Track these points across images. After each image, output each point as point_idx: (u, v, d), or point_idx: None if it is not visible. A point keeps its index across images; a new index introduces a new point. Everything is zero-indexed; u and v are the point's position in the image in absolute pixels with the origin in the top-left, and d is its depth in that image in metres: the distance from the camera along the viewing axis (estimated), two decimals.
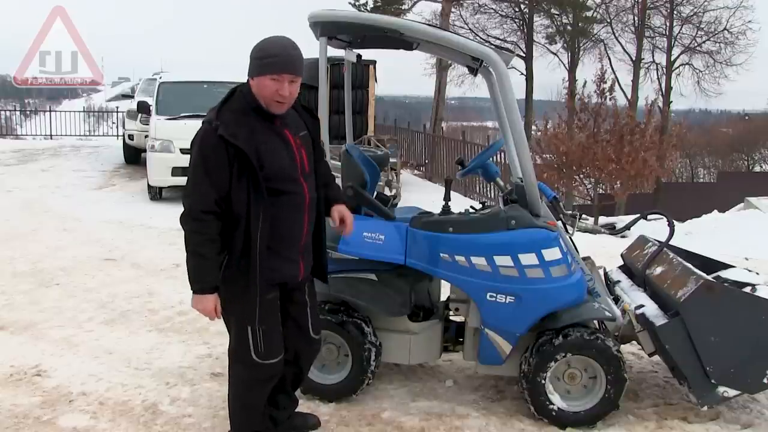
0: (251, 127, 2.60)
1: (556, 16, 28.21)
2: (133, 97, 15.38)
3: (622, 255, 4.34)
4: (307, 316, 2.95)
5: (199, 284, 2.63)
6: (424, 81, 25.54)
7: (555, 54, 29.03)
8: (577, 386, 3.39)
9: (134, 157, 13.79)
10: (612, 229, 11.41)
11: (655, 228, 8.37)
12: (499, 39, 27.76)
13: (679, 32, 28.30)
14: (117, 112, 22.64)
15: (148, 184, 10.20)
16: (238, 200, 2.57)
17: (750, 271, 3.90)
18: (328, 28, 3.40)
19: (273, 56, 2.56)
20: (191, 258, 2.61)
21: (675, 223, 3.97)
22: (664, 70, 28.74)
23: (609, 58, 27.65)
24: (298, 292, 2.90)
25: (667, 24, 28.17)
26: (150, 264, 6.52)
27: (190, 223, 2.59)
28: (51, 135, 21.06)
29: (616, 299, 3.80)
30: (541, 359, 3.30)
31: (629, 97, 26.51)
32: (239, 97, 2.66)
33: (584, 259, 4.00)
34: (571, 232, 3.74)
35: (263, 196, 2.57)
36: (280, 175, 2.62)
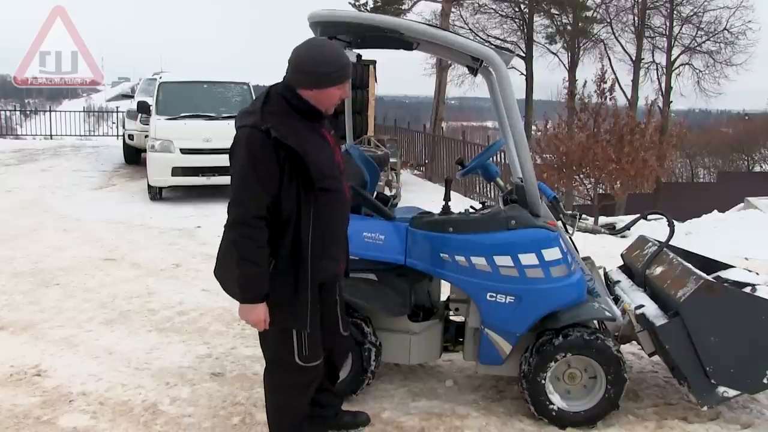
0: (296, 127, 2.57)
1: (556, 16, 28.23)
2: (133, 97, 15.36)
3: (622, 255, 4.34)
4: (338, 314, 2.96)
5: (252, 293, 2.56)
6: (424, 81, 25.59)
7: (555, 54, 29.08)
8: (577, 386, 3.39)
9: (134, 157, 13.77)
10: (612, 229, 11.43)
11: (655, 228, 8.38)
12: (499, 39, 27.77)
13: (679, 32, 28.33)
14: (117, 112, 22.60)
15: (148, 184, 10.19)
16: (288, 202, 2.54)
17: (750, 271, 3.90)
18: (328, 28, 3.39)
19: (341, 68, 2.59)
20: (243, 266, 2.52)
21: (675, 223, 3.97)
22: (664, 70, 28.75)
23: (609, 58, 27.72)
24: (330, 291, 2.88)
25: (667, 24, 28.19)
26: (150, 264, 6.52)
27: (240, 229, 2.51)
28: (51, 135, 21.02)
29: (616, 299, 3.80)
30: (541, 359, 3.30)
31: (629, 97, 26.55)
32: (278, 99, 2.61)
33: (584, 259, 4.00)
34: (571, 232, 3.74)
35: (314, 195, 2.56)
36: (326, 173, 2.61)
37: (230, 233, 2.56)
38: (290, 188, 2.54)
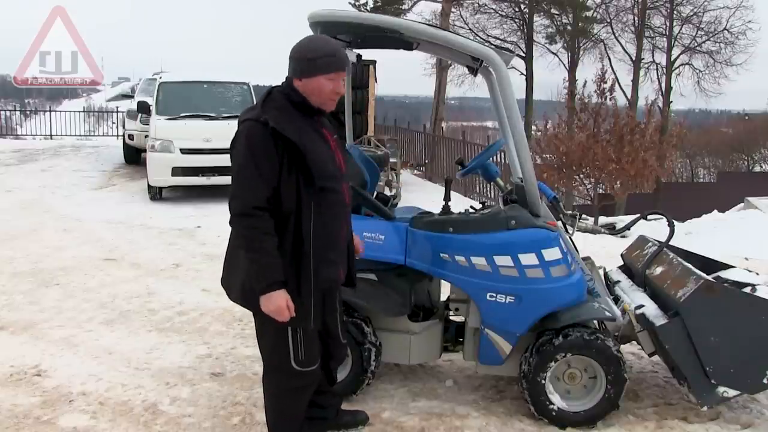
0: (295, 121, 2.57)
1: (556, 16, 28.26)
2: (133, 97, 15.37)
3: (622, 255, 4.34)
4: (337, 321, 2.95)
5: (265, 281, 2.50)
6: (424, 81, 25.60)
7: (555, 54, 29.11)
8: (577, 386, 3.39)
9: (134, 157, 13.78)
10: (612, 229, 11.43)
11: (655, 228, 8.38)
12: (499, 39, 27.80)
13: (679, 32, 28.36)
14: (117, 112, 22.60)
15: (148, 184, 10.21)
16: (287, 196, 2.53)
17: (750, 271, 3.90)
18: (328, 28, 3.39)
19: (330, 55, 2.58)
20: (251, 255, 2.50)
21: (675, 223, 3.97)
22: (664, 70, 28.78)
23: (609, 58, 27.75)
24: (331, 296, 2.86)
25: (667, 24, 28.22)
26: (150, 264, 6.52)
27: (242, 220, 2.50)
28: (51, 135, 21.03)
29: (616, 299, 3.80)
30: (541, 359, 3.30)
31: (629, 97, 26.57)
32: (278, 96, 2.62)
33: (584, 259, 4.00)
34: (571, 232, 3.74)
35: (313, 191, 2.55)
36: (324, 171, 2.58)
37: (234, 227, 2.54)
38: (289, 181, 2.53)
